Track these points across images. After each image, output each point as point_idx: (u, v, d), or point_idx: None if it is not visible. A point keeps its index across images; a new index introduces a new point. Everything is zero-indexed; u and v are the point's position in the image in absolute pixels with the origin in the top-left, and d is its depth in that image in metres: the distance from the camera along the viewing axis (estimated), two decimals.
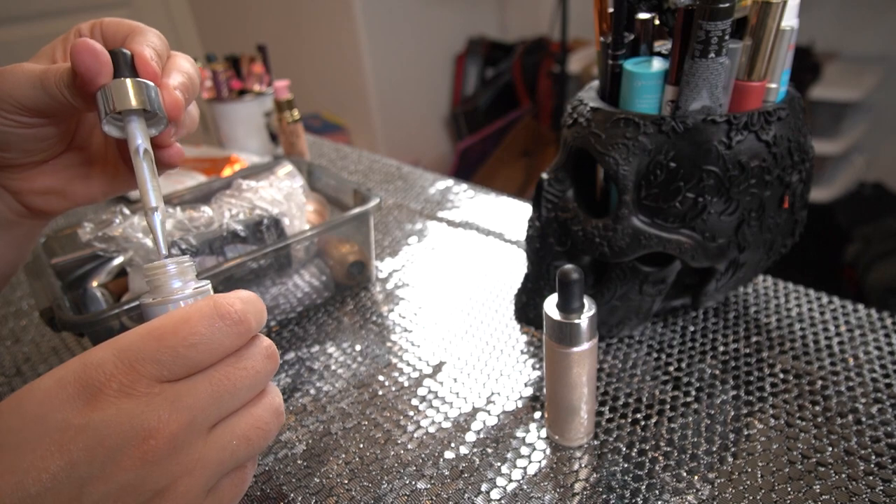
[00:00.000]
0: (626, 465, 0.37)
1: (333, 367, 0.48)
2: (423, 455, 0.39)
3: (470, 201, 0.73)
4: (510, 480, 0.36)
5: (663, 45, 0.41)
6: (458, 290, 0.56)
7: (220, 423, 0.23)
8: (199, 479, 0.22)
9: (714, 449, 0.37)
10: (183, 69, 0.32)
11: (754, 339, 0.46)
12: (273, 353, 0.25)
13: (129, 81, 0.29)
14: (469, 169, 2.07)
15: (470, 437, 0.40)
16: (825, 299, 0.50)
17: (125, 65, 0.29)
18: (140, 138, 0.29)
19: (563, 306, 0.34)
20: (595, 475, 0.36)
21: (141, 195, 0.28)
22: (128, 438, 0.20)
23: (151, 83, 0.29)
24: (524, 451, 0.38)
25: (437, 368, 0.46)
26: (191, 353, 0.22)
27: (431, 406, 0.43)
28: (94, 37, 0.33)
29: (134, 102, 0.28)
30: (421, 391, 0.44)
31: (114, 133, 0.30)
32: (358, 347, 0.50)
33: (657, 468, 0.36)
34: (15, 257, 0.37)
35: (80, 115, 0.35)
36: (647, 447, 0.38)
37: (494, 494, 0.36)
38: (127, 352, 0.21)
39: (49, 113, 0.31)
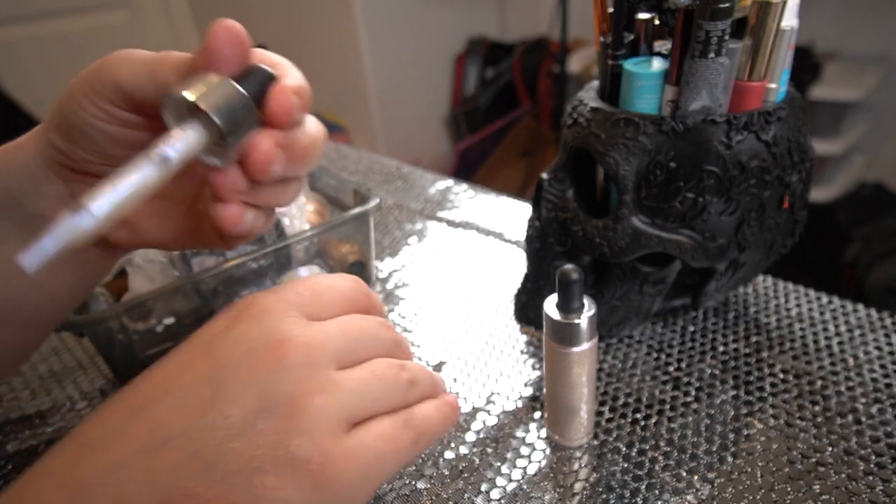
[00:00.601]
0: (625, 465, 0.37)
1: None
2: (422, 455, 0.39)
3: (470, 201, 0.73)
4: (510, 480, 0.36)
5: (663, 45, 0.41)
6: (458, 290, 0.56)
7: (352, 366, 0.24)
8: (333, 401, 0.21)
9: (714, 449, 0.37)
10: (318, 128, 0.27)
11: (754, 338, 0.46)
12: (389, 325, 0.26)
13: (235, 85, 0.22)
14: (469, 169, 2.07)
15: (470, 436, 0.40)
16: (825, 299, 0.50)
17: (257, 80, 0.23)
18: (176, 145, 0.21)
19: (562, 306, 0.34)
20: (595, 475, 0.36)
21: (99, 184, 0.20)
22: (264, 342, 0.22)
23: (256, 110, 0.23)
24: (524, 451, 0.38)
25: (437, 368, 0.46)
26: (326, 292, 0.25)
27: None
28: None
29: (210, 102, 0.21)
30: None
31: (166, 112, 0.23)
32: None
33: (657, 468, 0.36)
34: (77, 287, 0.33)
35: None
36: (647, 447, 0.38)
37: (494, 494, 0.36)
38: (276, 288, 0.25)
39: (149, 109, 0.26)
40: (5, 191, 0.28)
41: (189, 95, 0.21)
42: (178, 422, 0.20)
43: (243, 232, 0.26)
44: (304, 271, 0.29)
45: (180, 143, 0.21)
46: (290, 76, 0.25)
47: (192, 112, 0.21)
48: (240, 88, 0.22)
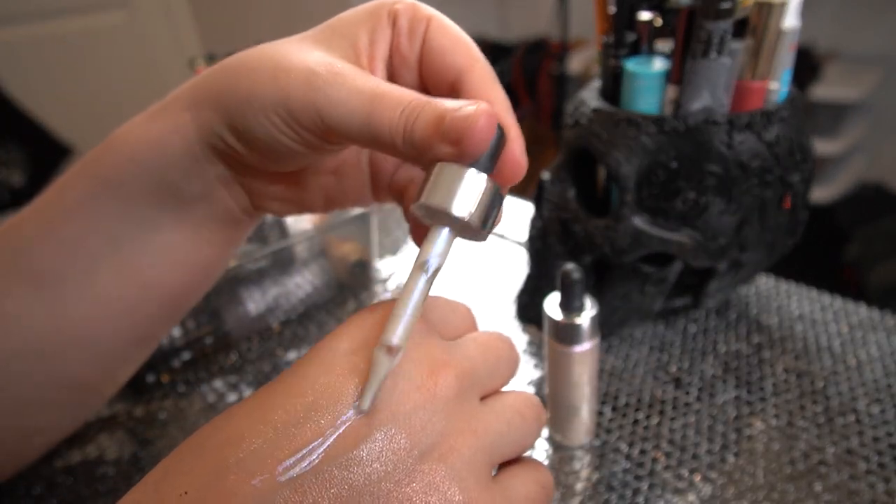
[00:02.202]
0: (627, 465, 0.37)
1: None
2: None
3: None
4: None
5: (665, 45, 0.41)
6: (460, 290, 0.56)
7: (491, 396, 0.23)
8: (482, 441, 0.20)
9: (715, 449, 0.37)
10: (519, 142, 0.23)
11: (755, 338, 0.46)
12: (514, 346, 0.26)
13: (486, 183, 0.21)
14: None
15: None
16: (826, 299, 0.50)
17: (494, 148, 0.22)
18: (438, 254, 0.21)
19: (564, 306, 0.34)
20: (596, 475, 0.36)
21: (392, 317, 0.20)
22: (416, 367, 0.20)
23: (503, 194, 0.22)
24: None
25: None
26: (453, 314, 0.24)
27: None
28: (412, 49, 0.25)
29: (473, 215, 0.20)
30: None
31: (417, 212, 0.22)
32: None
33: (658, 468, 0.36)
34: (222, 263, 0.33)
35: None
36: (649, 447, 0.38)
37: None
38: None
39: (344, 139, 0.23)
40: (160, 180, 0.27)
41: (460, 212, 0.20)
42: (328, 451, 0.18)
43: None
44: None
45: (442, 246, 0.21)
46: (513, 128, 0.23)
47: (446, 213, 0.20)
48: (495, 186, 0.21)
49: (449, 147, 0.20)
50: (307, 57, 0.23)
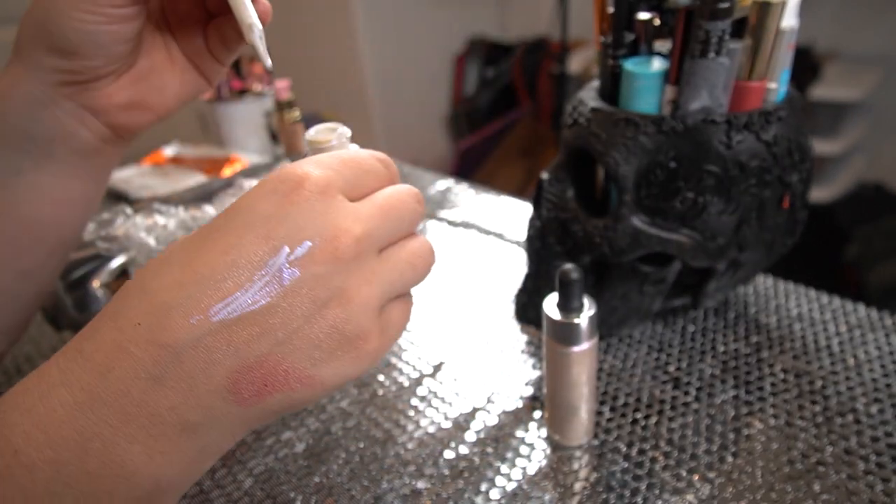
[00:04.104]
0: (625, 465, 0.37)
1: None
2: (422, 454, 0.39)
3: (470, 201, 0.73)
4: (510, 480, 0.37)
5: (664, 45, 0.41)
6: (459, 290, 0.56)
7: (387, 248, 0.26)
8: (375, 291, 0.24)
9: (714, 448, 0.37)
10: None
11: (754, 338, 0.46)
12: (421, 198, 0.27)
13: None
14: (469, 169, 2.07)
15: (470, 436, 0.40)
16: (825, 299, 0.50)
17: None
18: None
19: (563, 306, 0.34)
20: (595, 475, 0.36)
21: (237, 12, 0.29)
22: (321, 234, 0.23)
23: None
24: (524, 450, 0.39)
25: (437, 368, 0.46)
26: (365, 176, 0.26)
27: (431, 406, 0.43)
28: None
29: None
30: (421, 391, 0.44)
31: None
32: None
33: (657, 468, 0.36)
34: (95, 192, 0.37)
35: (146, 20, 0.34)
36: (647, 447, 0.38)
37: (494, 494, 0.36)
38: (320, 162, 0.24)
39: None
40: (14, 129, 0.31)
41: None
42: (252, 303, 0.22)
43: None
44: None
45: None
46: None
47: None
48: None
49: None
50: None
